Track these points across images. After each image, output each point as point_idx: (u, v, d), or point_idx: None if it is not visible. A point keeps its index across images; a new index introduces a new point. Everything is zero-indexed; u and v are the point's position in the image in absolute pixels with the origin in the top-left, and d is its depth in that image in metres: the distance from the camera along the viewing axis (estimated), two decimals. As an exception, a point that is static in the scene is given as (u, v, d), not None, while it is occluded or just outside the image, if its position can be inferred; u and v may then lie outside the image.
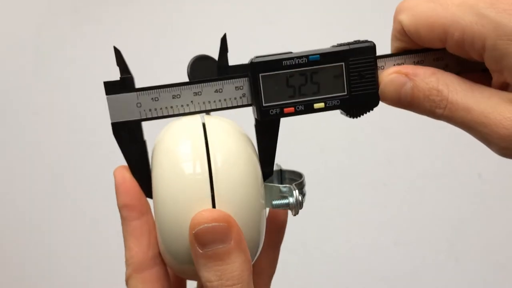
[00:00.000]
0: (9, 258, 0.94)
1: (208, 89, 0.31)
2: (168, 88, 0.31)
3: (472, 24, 0.27)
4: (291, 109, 0.31)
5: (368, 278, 0.90)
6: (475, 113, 0.28)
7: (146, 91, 0.31)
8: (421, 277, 0.90)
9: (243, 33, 0.81)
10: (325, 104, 0.31)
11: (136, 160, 0.31)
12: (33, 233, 0.93)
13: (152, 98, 0.31)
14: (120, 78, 0.31)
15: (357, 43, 0.31)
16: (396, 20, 0.31)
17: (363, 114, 0.32)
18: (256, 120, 0.32)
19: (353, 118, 0.32)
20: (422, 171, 0.88)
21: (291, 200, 0.31)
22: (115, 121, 0.31)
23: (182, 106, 0.31)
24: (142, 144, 0.32)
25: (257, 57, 0.31)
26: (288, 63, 0.31)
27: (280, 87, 0.31)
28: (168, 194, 0.29)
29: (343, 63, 0.31)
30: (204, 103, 0.31)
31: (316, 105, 0.31)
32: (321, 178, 0.87)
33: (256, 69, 0.31)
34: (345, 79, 0.31)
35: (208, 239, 0.27)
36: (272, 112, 0.31)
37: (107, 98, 0.31)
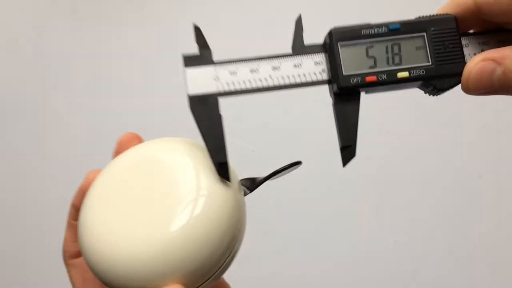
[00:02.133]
0: (9, 258, 0.94)
1: (286, 64, 0.31)
2: (246, 62, 0.31)
3: None
4: (373, 78, 0.30)
5: (368, 278, 0.90)
6: None
7: (224, 65, 0.30)
8: (421, 277, 0.90)
9: (243, 29, 0.81)
10: (409, 74, 0.30)
11: (212, 133, 0.31)
12: (33, 233, 0.92)
13: (229, 72, 0.30)
14: (200, 52, 0.30)
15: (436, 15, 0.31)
16: None
17: (446, 89, 0.30)
18: (335, 95, 0.31)
19: (433, 95, 0.31)
20: (422, 171, 0.88)
21: None
22: (193, 94, 0.30)
23: (260, 80, 0.30)
24: (218, 117, 0.31)
25: (335, 27, 0.30)
26: (368, 32, 0.30)
27: (360, 57, 0.30)
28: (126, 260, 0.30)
29: (424, 33, 0.30)
30: (282, 77, 0.31)
31: (400, 75, 0.30)
32: (321, 177, 0.86)
33: (334, 38, 0.30)
34: (428, 50, 0.30)
35: None
36: (353, 81, 0.30)
37: (186, 70, 0.30)
